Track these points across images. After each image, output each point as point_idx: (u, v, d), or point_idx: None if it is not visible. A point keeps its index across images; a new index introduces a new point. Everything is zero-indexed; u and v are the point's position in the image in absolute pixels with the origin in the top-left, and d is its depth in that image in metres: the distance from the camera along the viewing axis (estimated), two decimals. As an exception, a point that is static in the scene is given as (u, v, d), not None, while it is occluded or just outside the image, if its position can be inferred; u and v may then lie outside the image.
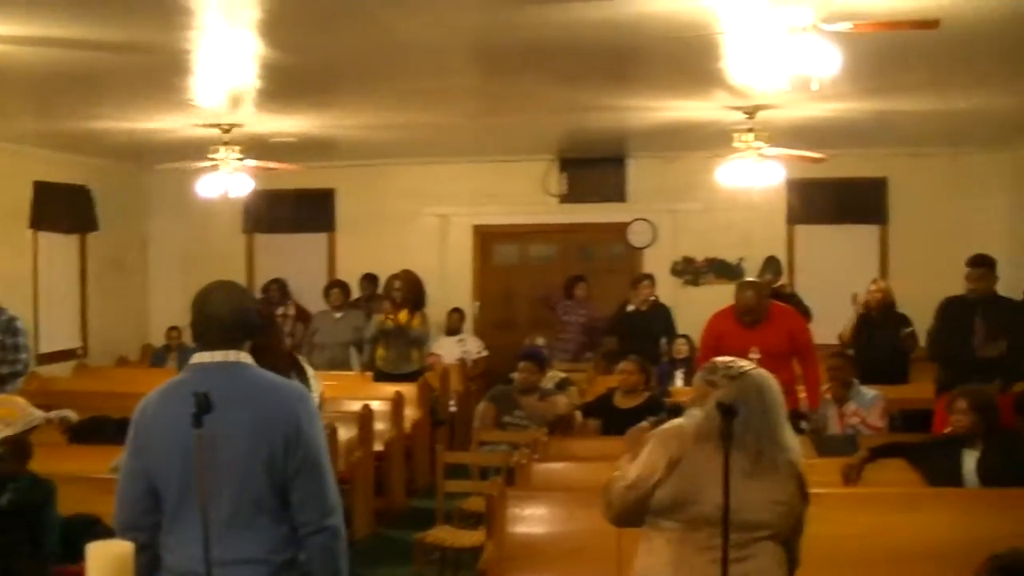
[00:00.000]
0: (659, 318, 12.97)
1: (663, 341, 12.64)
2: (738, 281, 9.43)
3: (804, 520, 4.30)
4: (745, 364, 4.28)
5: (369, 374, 11.90)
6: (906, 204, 14.53)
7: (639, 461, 4.20)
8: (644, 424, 4.55)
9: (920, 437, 7.64)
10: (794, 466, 4.21)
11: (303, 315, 14.05)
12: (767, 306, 8.83)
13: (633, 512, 4.20)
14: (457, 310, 14.41)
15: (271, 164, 11.20)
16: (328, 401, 9.44)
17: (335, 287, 13.17)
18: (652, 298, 13.13)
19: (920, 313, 10.00)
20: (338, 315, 12.70)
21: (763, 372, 4.26)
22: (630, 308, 13.04)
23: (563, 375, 10.88)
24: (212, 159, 10.89)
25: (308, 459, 3.81)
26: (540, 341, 11.96)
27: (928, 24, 5.86)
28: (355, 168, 14.96)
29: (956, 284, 9.25)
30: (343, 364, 12.50)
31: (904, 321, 11.19)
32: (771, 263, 13.16)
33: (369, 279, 14.26)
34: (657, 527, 4.18)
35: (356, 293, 14.20)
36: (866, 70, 8.18)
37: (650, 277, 13.47)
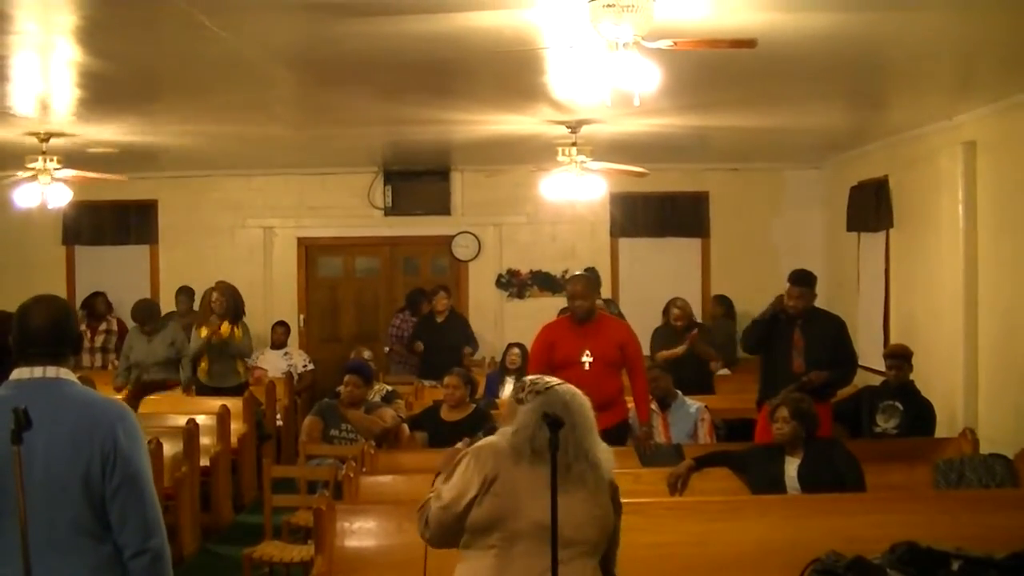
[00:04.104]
0: (457, 328, 13.20)
1: (467, 350, 13.13)
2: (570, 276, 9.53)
3: (619, 532, 4.31)
4: (552, 380, 4.28)
5: (192, 389, 11.66)
6: (727, 218, 14.82)
7: (453, 481, 4.17)
8: (459, 445, 4.51)
9: (743, 446, 7.77)
10: (604, 479, 4.22)
11: (124, 330, 13.69)
12: (594, 304, 8.86)
13: (449, 532, 4.18)
14: (282, 323, 14.23)
15: (91, 174, 10.91)
16: (150, 416, 9.31)
17: (144, 309, 12.53)
18: (449, 308, 13.33)
19: (740, 325, 10.16)
20: (149, 333, 12.21)
21: (570, 387, 4.25)
22: (439, 320, 13.20)
23: (389, 388, 10.80)
24: (29, 168, 10.55)
25: (127, 478, 3.72)
26: (366, 354, 11.87)
27: (746, 43, 5.94)
28: (178, 179, 14.71)
29: (776, 296, 9.39)
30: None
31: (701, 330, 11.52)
32: (593, 273, 13.20)
33: (185, 292, 13.94)
34: (474, 546, 4.16)
35: (171, 307, 13.87)
36: (686, 87, 8.28)
37: (445, 288, 13.59)
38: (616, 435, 8.08)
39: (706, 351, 11.28)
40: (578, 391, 4.26)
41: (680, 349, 11.20)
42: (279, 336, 14.10)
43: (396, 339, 13.54)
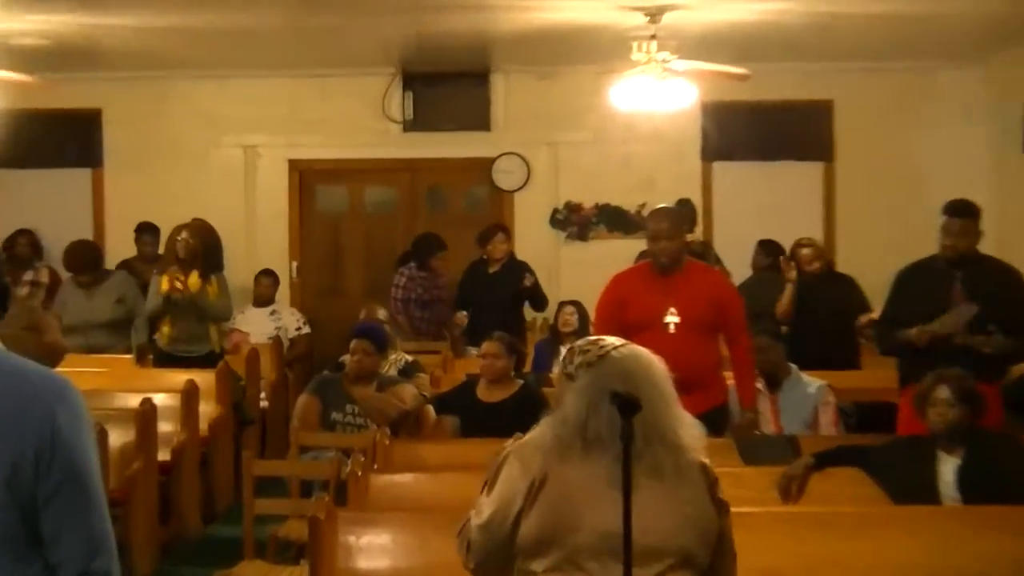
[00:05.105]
0: (516, 281, 12.98)
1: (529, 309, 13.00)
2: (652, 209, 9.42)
3: (730, 541, 4.27)
4: (608, 342, 4.26)
5: (148, 358, 11.70)
6: (858, 135, 14.74)
7: (495, 492, 4.21)
8: (510, 442, 4.46)
9: (881, 439, 7.69)
10: (695, 466, 4.20)
11: (59, 283, 13.56)
12: (682, 247, 8.82)
13: (496, 558, 4.20)
14: (268, 273, 14.27)
15: (14, 75, 10.92)
16: (92, 395, 9.27)
17: (80, 253, 12.60)
18: (508, 255, 13.23)
19: (877, 277, 10.09)
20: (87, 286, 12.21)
21: (633, 348, 4.25)
22: (492, 270, 13.10)
23: (410, 358, 10.79)
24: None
25: (68, 479, 3.66)
26: (381, 314, 11.82)
27: None
28: (130, 82, 14.73)
29: (925, 239, 9.29)
30: (106, 350, 12.17)
31: (849, 285, 11.49)
32: (685, 207, 13.18)
33: (150, 232, 13.84)
34: (530, 571, 4.14)
35: (123, 251, 13.93)
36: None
37: (504, 229, 13.53)
38: (711, 423, 7.80)
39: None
40: (644, 351, 4.24)
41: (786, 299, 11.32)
42: (264, 289, 14.15)
43: (400, 303, 13.39)
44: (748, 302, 10.87)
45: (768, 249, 13.36)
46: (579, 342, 4.36)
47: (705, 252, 11.94)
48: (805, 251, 11.63)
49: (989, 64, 14.25)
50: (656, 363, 4.21)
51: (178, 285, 11.16)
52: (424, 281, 13.35)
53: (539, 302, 13.08)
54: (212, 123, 15.00)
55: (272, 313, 14.02)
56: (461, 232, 13.91)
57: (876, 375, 10.35)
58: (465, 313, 12.92)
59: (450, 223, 14.53)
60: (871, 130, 14.66)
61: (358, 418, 9.26)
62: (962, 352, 8.12)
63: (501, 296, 12.81)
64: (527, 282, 12.81)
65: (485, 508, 4.16)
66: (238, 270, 13.62)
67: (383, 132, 14.98)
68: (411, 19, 11.46)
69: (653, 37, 10.52)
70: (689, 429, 4.21)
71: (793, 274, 11.39)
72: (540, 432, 4.23)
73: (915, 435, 7.25)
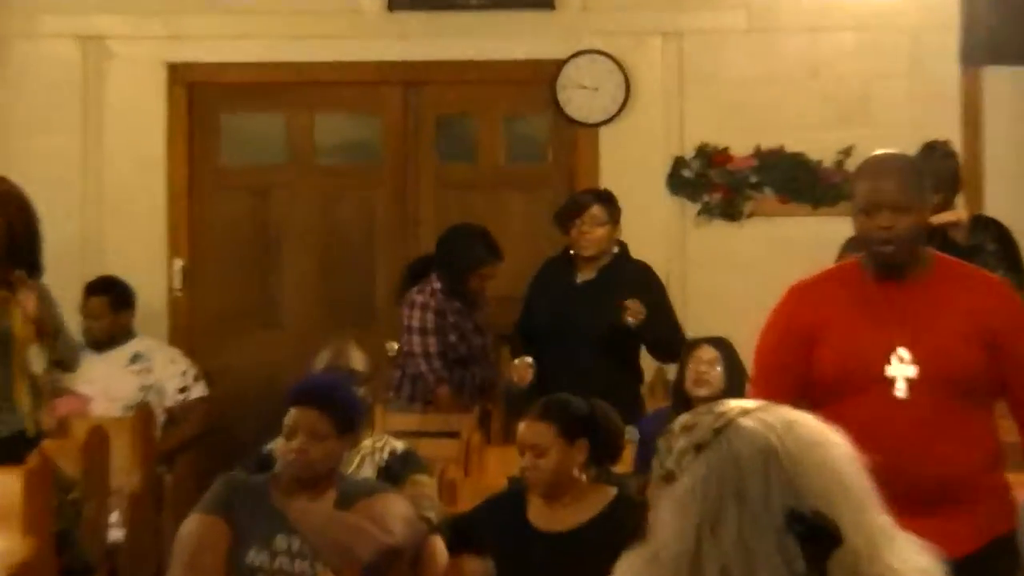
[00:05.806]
0: (625, 295, 12.58)
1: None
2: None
3: None
4: (734, 408, 4.06)
5: None
6: None
7: None
8: None
9: None
10: None
11: None
12: (924, 230, 8.23)
13: None
14: (105, 285, 13.92)
15: None
16: None
17: None
18: (614, 250, 12.87)
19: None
20: None
21: (787, 412, 4.02)
22: (584, 277, 12.71)
23: (400, 446, 10.38)
24: None
25: None
26: (357, 362, 11.18)
27: None
28: None
29: None
30: None
31: None
32: (934, 158, 12.63)
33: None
34: None
35: None
36: None
37: (604, 198, 13.11)
38: (986, 566, 7.64)
39: None
40: (803, 416, 4.05)
41: None
42: (96, 316, 13.71)
43: (423, 359, 13.24)
44: None
45: (986, 231, 13.05)
46: (680, 419, 4.16)
47: (980, 244, 11.30)
48: None
49: None
50: (821, 430, 4.02)
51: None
52: (460, 317, 13.13)
53: (662, 344, 12.69)
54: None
55: (134, 360, 13.74)
56: (500, 200, 13.99)
57: None
58: (530, 361, 12.51)
59: (480, 184, 14.45)
60: None
61: (300, 561, 8.80)
62: None
63: (597, 325, 12.41)
64: (630, 319, 12.32)
65: None
66: (68, 276, 13.23)
67: (351, 13, 14.98)
68: None
69: None
70: (906, 552, 3.96)
71: None
72: (639, 565, 4.11)
73: None
